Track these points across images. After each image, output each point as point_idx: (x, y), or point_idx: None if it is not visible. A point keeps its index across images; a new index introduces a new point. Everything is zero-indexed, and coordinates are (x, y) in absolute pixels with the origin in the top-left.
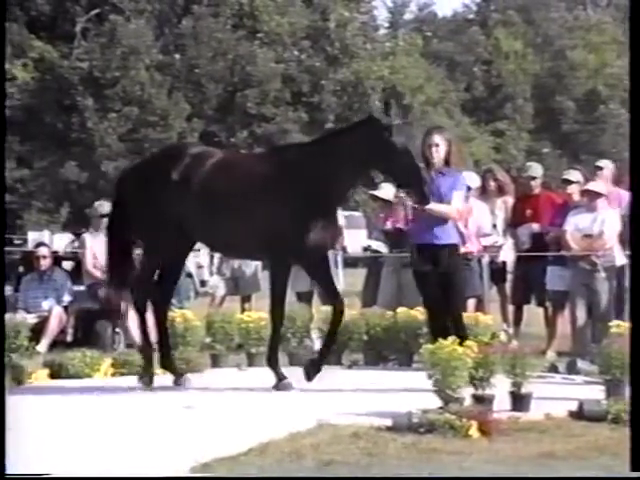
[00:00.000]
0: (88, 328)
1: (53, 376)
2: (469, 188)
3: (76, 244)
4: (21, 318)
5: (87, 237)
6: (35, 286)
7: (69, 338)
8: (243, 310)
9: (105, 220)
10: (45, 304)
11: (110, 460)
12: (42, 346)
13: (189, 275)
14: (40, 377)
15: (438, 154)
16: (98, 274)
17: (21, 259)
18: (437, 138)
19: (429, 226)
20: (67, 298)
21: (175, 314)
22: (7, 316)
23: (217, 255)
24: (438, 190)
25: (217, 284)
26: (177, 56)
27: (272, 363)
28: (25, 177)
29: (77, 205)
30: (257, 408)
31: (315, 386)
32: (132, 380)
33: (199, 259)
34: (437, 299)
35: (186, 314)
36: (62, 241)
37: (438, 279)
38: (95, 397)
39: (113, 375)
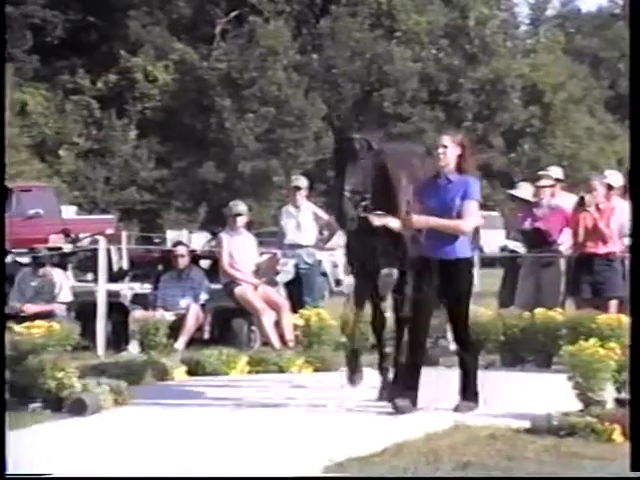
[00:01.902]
0: (225, 326)
1: (190, 373)
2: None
3: (213, 243)
4: (160, 316)
5: (224, 236)
6: (173, 284)
7: (206, 336)
8: None
9: (240, 219)
10: (183, 302)
11: (245, 458)
12: (180, 343)
13: (324, 274)
14: (178, 374)
15: (445, 157)
16: (234, 273)
17: (160, 258)
18: (445, 140)
19: (437, 239)
20: (204, 296)
21: (310, 313)
22: (147, 314)
23: None
24: (443, 198)
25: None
26: (314, 56)
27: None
28: (164, 177)
29: (214, 204)
30: (389, 407)
31: (451, 387)
32: (267, 377)
33: (335, 258)
34: (423, 313)
35: (321, 313)
36: (200, 240)
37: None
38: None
39: (249, 373)
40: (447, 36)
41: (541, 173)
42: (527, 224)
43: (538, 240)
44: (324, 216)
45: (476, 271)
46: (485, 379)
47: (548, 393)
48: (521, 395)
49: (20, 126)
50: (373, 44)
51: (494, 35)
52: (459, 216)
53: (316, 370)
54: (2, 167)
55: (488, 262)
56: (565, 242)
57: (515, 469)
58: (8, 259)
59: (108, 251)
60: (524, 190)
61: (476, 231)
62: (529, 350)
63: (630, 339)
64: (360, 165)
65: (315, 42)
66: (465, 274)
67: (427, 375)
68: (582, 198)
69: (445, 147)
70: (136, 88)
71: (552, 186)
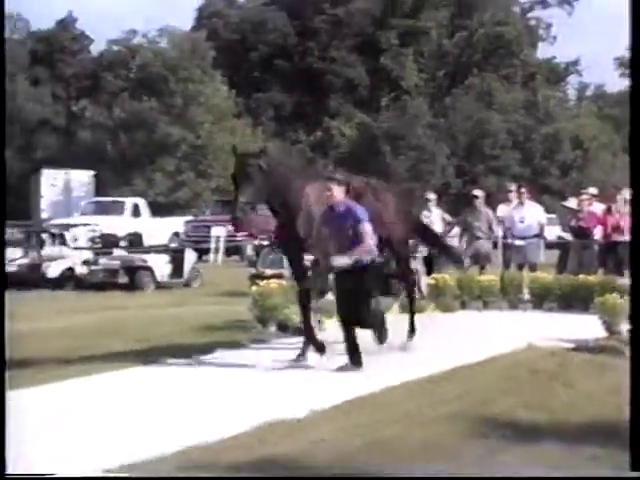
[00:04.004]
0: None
1: None
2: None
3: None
4: None
5: None
6: None
7: None
8: (480, 274)
9: None
10: None
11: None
12: None
13: None
14: None
15: (332, 197)
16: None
17: None
18: (331, 185)
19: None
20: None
21: (438, 277)
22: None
23: (464, 238)
24: (338, 225)
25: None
26: (442, 120)
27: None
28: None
29: None
30: (489, 334)
31: (528, 322)
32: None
33: (453, 243)
34: (345, 309)
35: (445, 277)
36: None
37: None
38: None
39: (400, 314)
40: (524, 107)
41: (583, 191)
42: (573, 223)
43: (580, 233)
44: (448, 217)
45: (542, 251)
46: (548, 319)
47: (586, 327)
48: (570, 327)
49: None
50: (478, 112)
51: (554, 107)
52: (355, 233)
53: (443, 311)
54: (3, 169)
55: (550, 246)
56: (597, 234)
57: (564, 375)
58: (256, 242)
59: None
60: (572, 202)
61: (541, 227)
62: (575, 300)
63: (630, 335)
64: (252, 182)
65: (442, 111)
66: (368, 274)
67: (512, 314)
68: (609, 207)
69: (330, 190)
70: (333, 140)
71: (590, 199)
